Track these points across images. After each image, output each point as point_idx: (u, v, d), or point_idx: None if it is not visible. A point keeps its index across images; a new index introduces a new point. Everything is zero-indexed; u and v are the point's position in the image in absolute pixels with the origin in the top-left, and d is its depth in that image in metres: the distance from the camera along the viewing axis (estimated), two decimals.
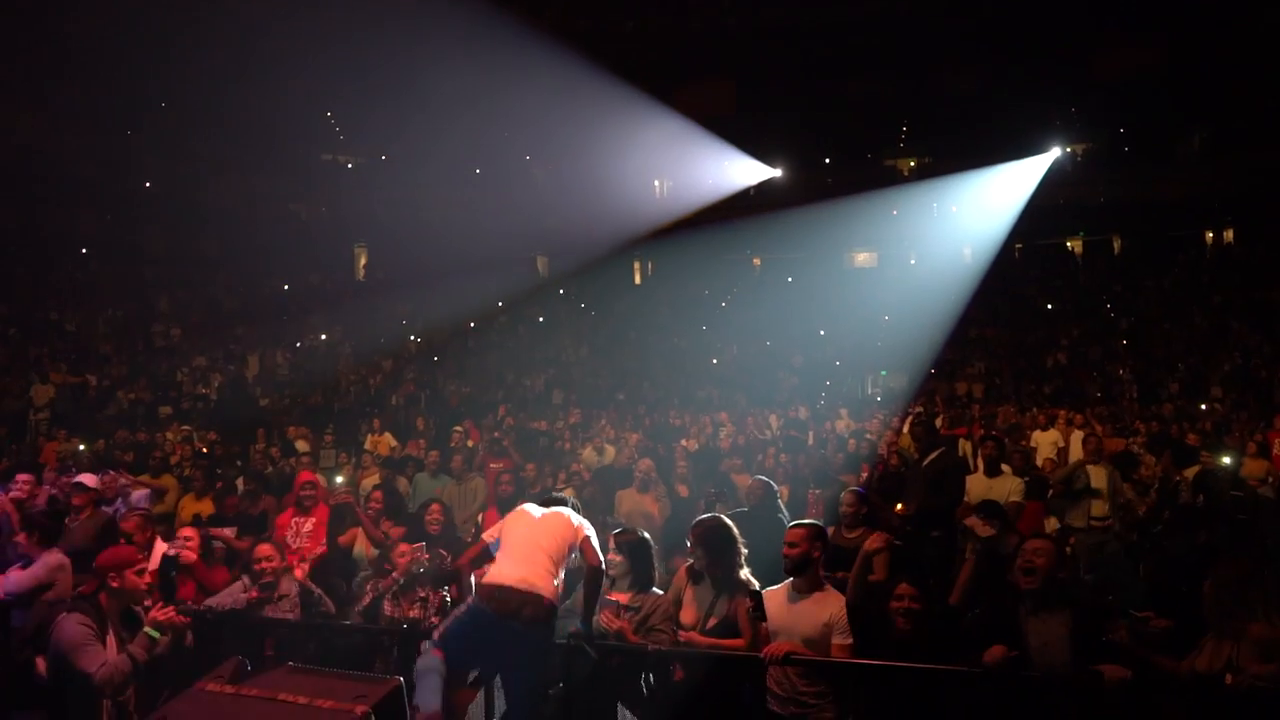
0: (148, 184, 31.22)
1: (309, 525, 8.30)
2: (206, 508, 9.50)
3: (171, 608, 5.41)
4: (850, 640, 5.16)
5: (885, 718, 5.07)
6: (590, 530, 5.59)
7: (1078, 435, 13.74)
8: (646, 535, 5.92)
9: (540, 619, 5.11)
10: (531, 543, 5.40)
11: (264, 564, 6.45)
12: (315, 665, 5.50)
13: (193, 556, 6.93)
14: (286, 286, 30.32)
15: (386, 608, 6.46)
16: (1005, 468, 9.23)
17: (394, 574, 6.55)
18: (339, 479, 9.15)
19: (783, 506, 8.09)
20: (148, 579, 5.49)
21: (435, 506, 7.84)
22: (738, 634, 5.39)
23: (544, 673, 5.32)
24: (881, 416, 17.05)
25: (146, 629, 5.19)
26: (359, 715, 3.82)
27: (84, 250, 28.72)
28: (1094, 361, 24.45)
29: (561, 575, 5.37)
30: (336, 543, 8.21)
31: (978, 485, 8.91)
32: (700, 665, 5.34)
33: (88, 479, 8.36)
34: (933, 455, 9.10)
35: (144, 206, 29.95)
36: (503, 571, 5.27)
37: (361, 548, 8.18)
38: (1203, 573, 5.80)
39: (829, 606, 5.26)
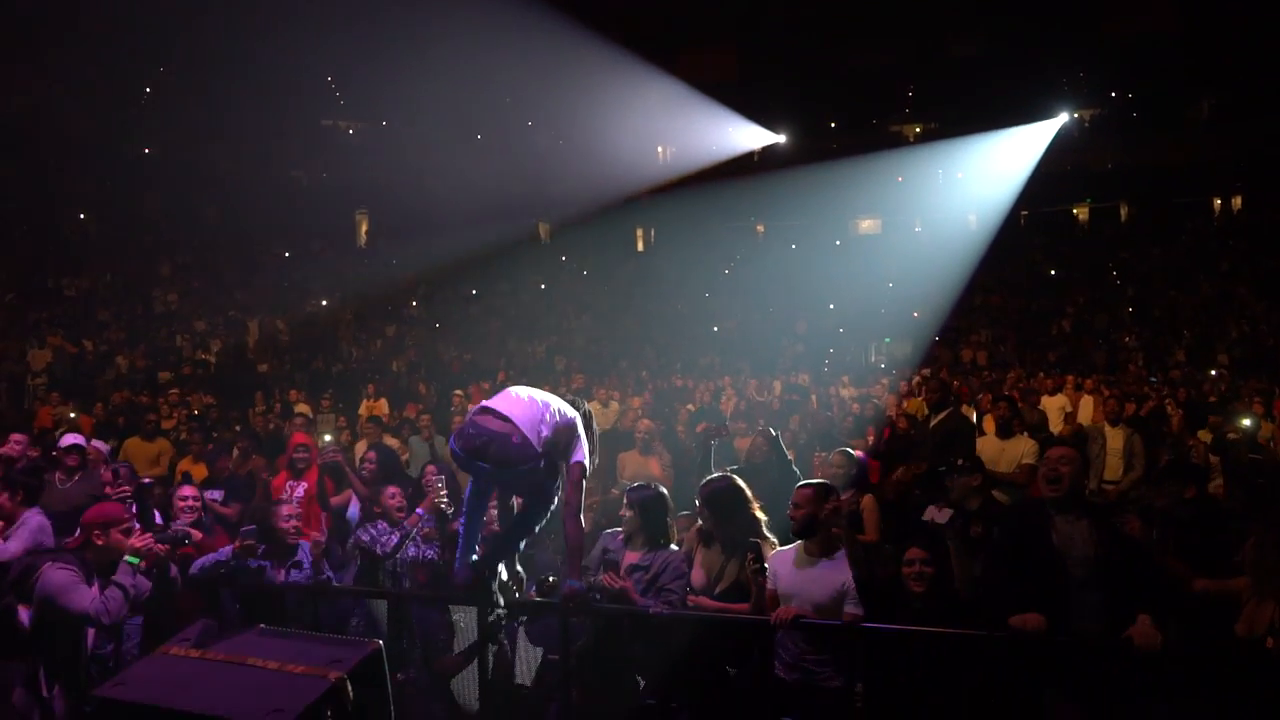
0: (147, 150, 31.01)
1: (302, 489, 8.13)
2: (201, 471, 9.34)
3: (149, 535, 5.28)
4: (861, 611, 4.95)
5: (895, 688, 4.88)
6: (585, 454, 5.03)
7: (1087, 400, 13.57)
8: (663, 490, 5.63)
9: (510, 460, 4.65)
10: (521, 396, 4.96)
11: (290, 523, 6.29)
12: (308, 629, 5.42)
13: (197, 535, 6.64)
14: (288, 254, 30.15)
15: (410, 550, 6.31)
16: (1019, 429, 8.95)
17: (419, 510, 6.38)
18: (326, 437, 8.90)
19: (791, 460, 7.79)
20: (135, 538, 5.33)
21: (431, 468, 7.68)
22: (749, 598, 5.20)
23: (546, 493, 4.94)
24: (887, 381, 16.92)
25: (126, 557, 5.07)
26: (332, 681, 3.51)
27: (83, 215, 28.54)
28: (1099, 329, 24.25)
29: (545, 435, 4.79)
30: (329, 504, 8.06)
31: (990, 447, 8.65)
32: (708, 629, 5.14)
33: (81, 440, 8.16)
34: (940, 416, 8.89)
35: (144, 172, 29.70)
36: (478, 407, 4.93)
37: (355, 509, 8.04)
38: (1197, 526, 5.74)
39: (843, 573, 5.03)
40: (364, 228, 34.42)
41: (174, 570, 5.57)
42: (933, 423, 8.94)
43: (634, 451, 9.17)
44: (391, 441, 10.63)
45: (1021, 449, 8.51)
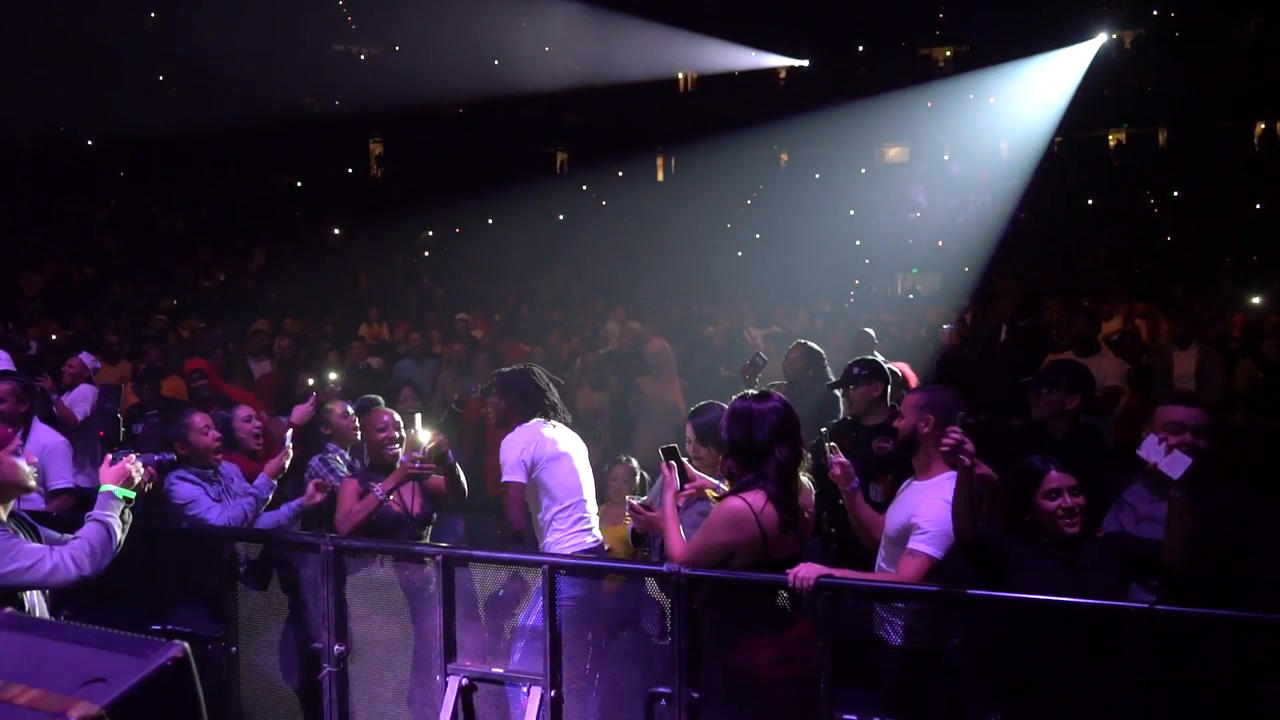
0: (161, 77, 30.37)
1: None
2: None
3: (124, 460, 3.99)
4: (928, 552, 3.92)
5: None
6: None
7: (1143, 326, 12.66)
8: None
9: None
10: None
11: (252, 425, 5.75)
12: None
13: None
14: (299, 183, 29.59)
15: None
16: (1104, 346, 7.78)
17: (416, 455, 5.15)
18: (331, 375, 8.00)
19: (832, 376, 6.75)
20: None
21: (408, 391, 7.04)
22: None
23: None
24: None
25: (113, 490, 3.89)
26: None
27: (90, 142, 27.92)
28: (1136, 258, 23.43)
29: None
30: None
31: None
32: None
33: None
34: (1020, 325, 7.85)
35: (153, 97, 29.02)
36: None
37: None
38: None
39: (916, 500, 4.12)
40: (377, 153, 33.75)
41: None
42: (1005, 334, 7.94)
43: (650, 377, 8.51)
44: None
45: (1104, 369, 7.27)
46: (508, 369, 5.49)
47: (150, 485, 4.20)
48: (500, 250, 25.07)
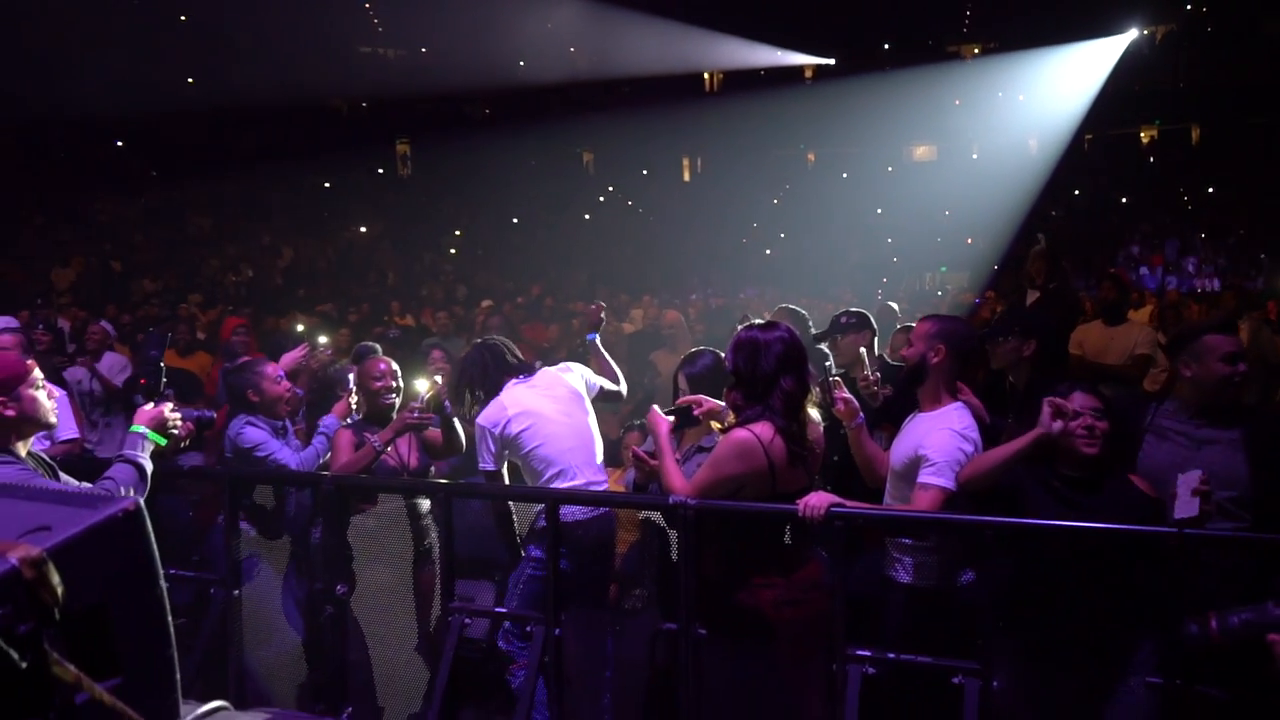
0: (190, 79, 30.59)
1: None
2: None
3: (162, 406, 3.88)
4: (940, 484, 3.79)
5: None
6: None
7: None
8: (719, 355, 4.44)
9: None
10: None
11: (283, 386, 5.39)
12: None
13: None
14: (327, 184, 29.74)
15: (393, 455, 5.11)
16: (1133, 315, 7.62)
17: (414, 405, 4.91)
18: (322, 339, 7.92)
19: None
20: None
21: (438, 353, 6.88)
22: None
23: None
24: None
25: (146, 432, 3.78)
26: (12, 565, 1.69)
27: (120, 144, 28.17)
28: (1170, 259, 23.14)
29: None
30: None
31: (1094, 336, 7.28)
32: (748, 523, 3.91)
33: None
34: (1050, 287, 7.65)
35: (181, 99, 29.25)
36: None
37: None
38: None
39: (922, 432, 3.97)
40: (404, 154, 33.88)
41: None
42: (1030, 300, 7.74)
43: (663, 351, 8.44)
44: None
45: (1134, 337, 7.17)
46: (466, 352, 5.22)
47: (187, 442, 4.13)
48: (526, 250, 25.10)
